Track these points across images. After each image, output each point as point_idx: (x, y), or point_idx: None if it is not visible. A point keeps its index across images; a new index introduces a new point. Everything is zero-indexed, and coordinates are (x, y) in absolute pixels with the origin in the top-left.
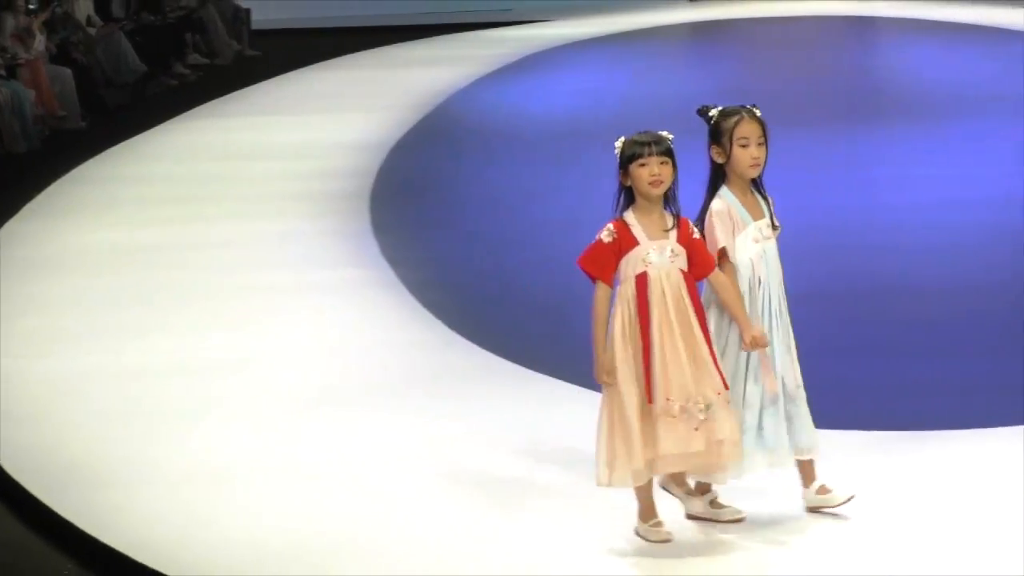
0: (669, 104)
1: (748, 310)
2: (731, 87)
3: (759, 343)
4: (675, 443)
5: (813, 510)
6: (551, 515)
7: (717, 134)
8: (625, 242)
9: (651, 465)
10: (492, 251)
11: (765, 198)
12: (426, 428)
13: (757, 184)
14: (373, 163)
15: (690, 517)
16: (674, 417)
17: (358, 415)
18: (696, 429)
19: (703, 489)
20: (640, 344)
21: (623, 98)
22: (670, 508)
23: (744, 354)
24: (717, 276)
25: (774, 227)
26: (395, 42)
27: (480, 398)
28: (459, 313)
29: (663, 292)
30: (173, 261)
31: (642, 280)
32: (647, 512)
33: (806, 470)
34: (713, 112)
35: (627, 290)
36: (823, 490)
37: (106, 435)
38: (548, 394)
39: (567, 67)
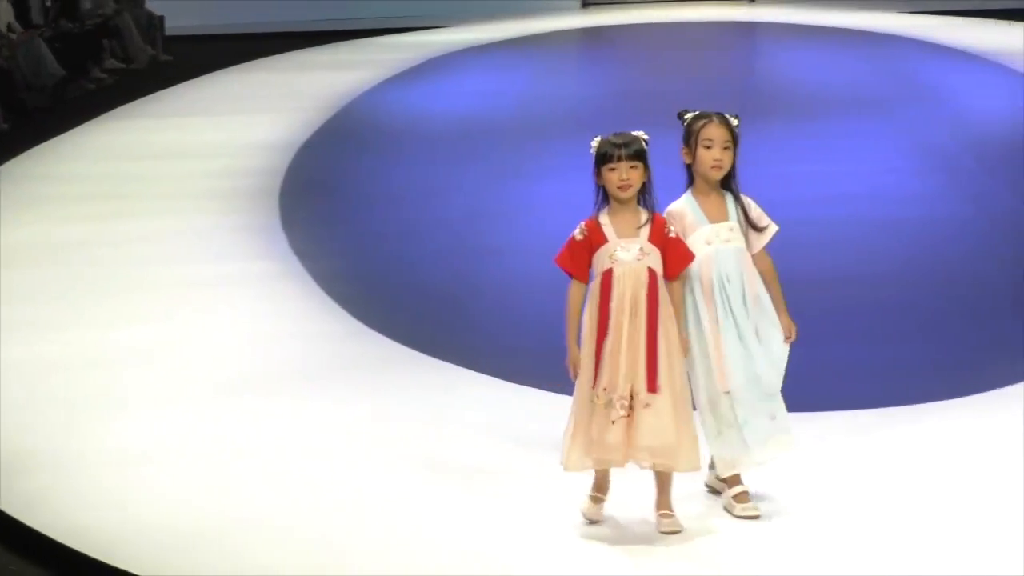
0: (563, 104)
1: (691, 311)
2: (622, 89)
3: (682, 347)
4: (597, 431)
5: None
6: (455, 492)
7: (687, 136)
8: (596, 239)
9: (589, 450)
10: (395, 245)
11: (738, 201)
12: (334, 413)
13: (730, 187)
14: (282, 162)
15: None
16: (604, 407)
17: (270, 402)
18: (613, 422)
19: (731, 482)
20: (598, 337)
21: (520, 99)
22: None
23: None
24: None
25: (756, 228)
26: (302, 47)
27: (384, 385)
28: (364, 304)
29: (625, 289)
30: (91, 257)
31: (607, 277)
32: (595, 485)
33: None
34: (688, 115)
35: (595, 286)
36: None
37: (28, 424)
38: (450, 380)
39: (466, 70)
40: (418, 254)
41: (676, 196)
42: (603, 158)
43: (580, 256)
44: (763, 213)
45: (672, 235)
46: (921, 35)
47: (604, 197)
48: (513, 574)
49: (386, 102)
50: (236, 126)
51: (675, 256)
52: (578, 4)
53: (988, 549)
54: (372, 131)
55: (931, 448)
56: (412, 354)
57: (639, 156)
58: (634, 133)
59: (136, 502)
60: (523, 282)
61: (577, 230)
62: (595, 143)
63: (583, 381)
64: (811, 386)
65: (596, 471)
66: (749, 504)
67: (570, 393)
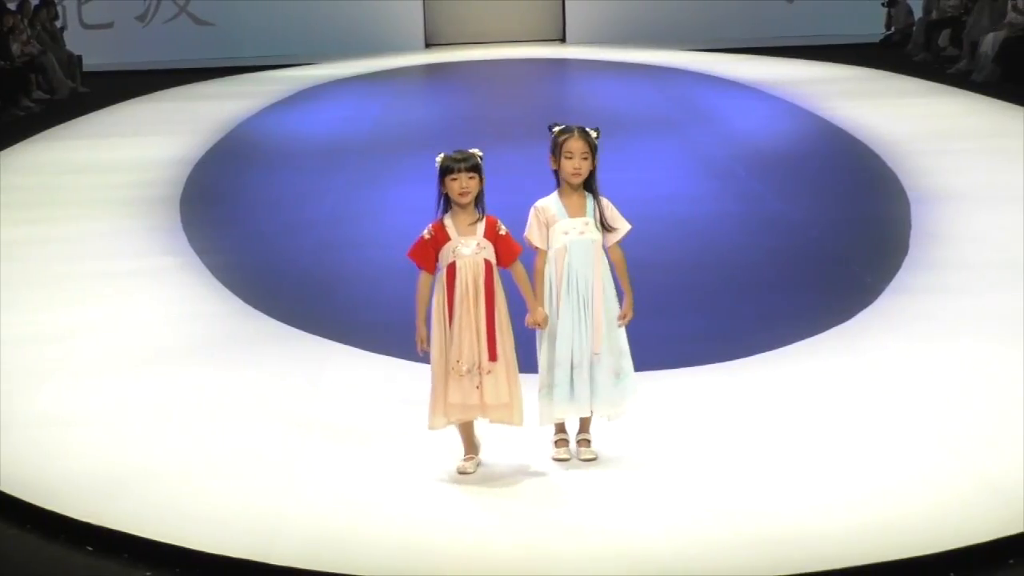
0: (410, 126)
1: (547, 293)
2: (459, 114)
3: (535, 321)
4: (459, 395)
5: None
6: (328, 446)
7: (553, 147)
8: (441, 238)
9: (447, 412)
10: (276, 241)
11: (596, 201)
12: (228, 380)
13: (591, 188)
14: (181, 174)
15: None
16: (461, 375)
17: (176, 371)
18: (477, 387)
19: (556, 429)
20: (447, 319)
21: (374, 122)
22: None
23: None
24: (515, 267)
25: (607, 228)
26: (196, 81)
27: (269, 355)
28: (252, 289)
29: (466, 278)
30: (23, 254)
31: (452, 268)
32: (465, 448)
33: (583, 423)
34: (555, 129)
35: (442, 276)
36: (583, 443)
37: None
38: (323, 352)
39: (330, 99)
40: (295, 248)
41: (505, 198)
42: (446, 171)
43: (428, 252)
44: (618, 215)
45: (503, 232)
46: (700, 69)
47: (447, 203)
48: (386, 515)
49: (266, 125)
50: (143, 146)
51: (506, 249)
52: (422, 44)
53: (767, 490)
54: (255, 149)
55: (709, 402)
56: (291, 330)
57: (475, 169)
58: (470, 150)
59: (64, 456)
60: (380, 270)
61: (426, 231)
62: (439, 159)
63: (437, 357)
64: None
65: (462, 433)
66: (563, 449)
67: (417, 361)
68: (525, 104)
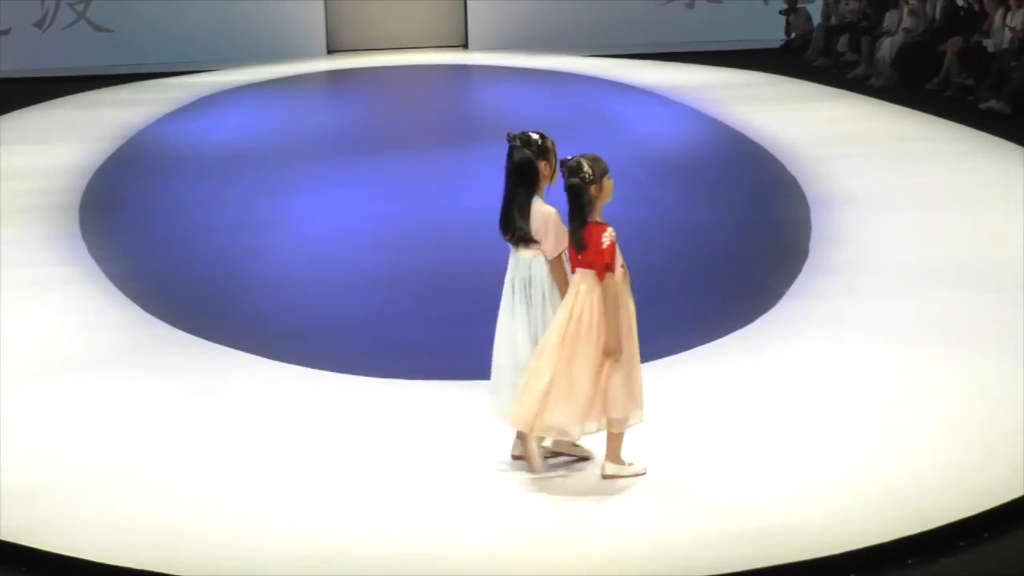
0: (313, 132)
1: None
2: (362, 119)
3: None
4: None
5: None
6: (242, 460)
7: (550, 154)
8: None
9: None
10: (177, 249)
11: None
12: (129, 387)
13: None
14: (80, 182)
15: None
16: None
17: (77, 380)
18: None
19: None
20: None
21: (277, 129)
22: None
23: None
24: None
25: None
26: (95, 88)
27: (170, 363)
28: (152, 298)
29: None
30: None
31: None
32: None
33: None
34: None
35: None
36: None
37: None
38: (225, 359)
39: (232, 106)
40: (196, 256)
41: (411, 206)
42: (604, 171)
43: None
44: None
45: None
46: (600, 74)
47: (586, 205)
48: (289, 525)
49: (166, 132)
50: (42, 153)
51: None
52: (324, 50)
53: (664, 495)
54: (155, 156)
55: None
56: (193, 339)
57: None
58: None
59: None
60: (283, 278)
61: (606, 236)
62: (587, 163)
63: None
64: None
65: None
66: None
67: (321, 368)
68: (428, 111)
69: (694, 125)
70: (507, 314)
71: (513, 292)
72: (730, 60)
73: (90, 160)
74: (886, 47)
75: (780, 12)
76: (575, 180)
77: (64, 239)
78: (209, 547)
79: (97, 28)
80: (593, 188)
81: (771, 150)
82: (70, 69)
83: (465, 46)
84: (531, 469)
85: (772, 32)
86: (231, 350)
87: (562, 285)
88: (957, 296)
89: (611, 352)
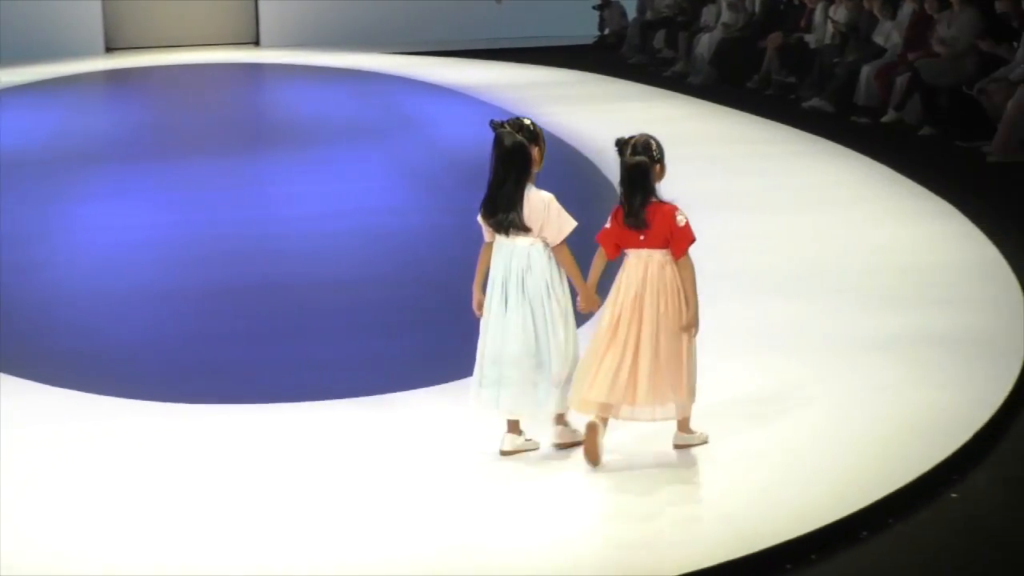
0: (93, 137)
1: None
2: (146, 122)
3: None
4: None
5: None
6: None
7: (540, 140)
8: None
9: None
10: None
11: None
12: None
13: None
14: None
15: None
16: None
17: None
18: None
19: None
20: None
21: (52, 134)
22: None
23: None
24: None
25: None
26: None
27: None
28: None
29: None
30: None
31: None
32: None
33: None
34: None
35: None
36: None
37: None
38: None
39: (1, 109)
40: None
41: (193, 215)
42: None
43: None
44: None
45: None
46: (403, 73)
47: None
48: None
49: None
50: None
51: None
52: (101, 48)
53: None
54: None
55: (437, 427)
56: None
57: None
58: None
59: None
60: (60, 295)
61: (682, 214)
62: (654, 142)
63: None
64: (297, 378)
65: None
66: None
67: (103, 392)
68: (217, 113)
69: None
70: (499, 305)
71: (506, 282)
72: (541, 57)
73: None
74: (704, 43)
75: (594, 7)
76: (642, 158)
77: None
78: None
79: None
80: (657, 166)
81: (585, 153)
82: None
83: (256, 43)
84: (593, 461)
85: (585, 28)
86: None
87: (571, 269)
88: (776, 304)
89: (692, 326)
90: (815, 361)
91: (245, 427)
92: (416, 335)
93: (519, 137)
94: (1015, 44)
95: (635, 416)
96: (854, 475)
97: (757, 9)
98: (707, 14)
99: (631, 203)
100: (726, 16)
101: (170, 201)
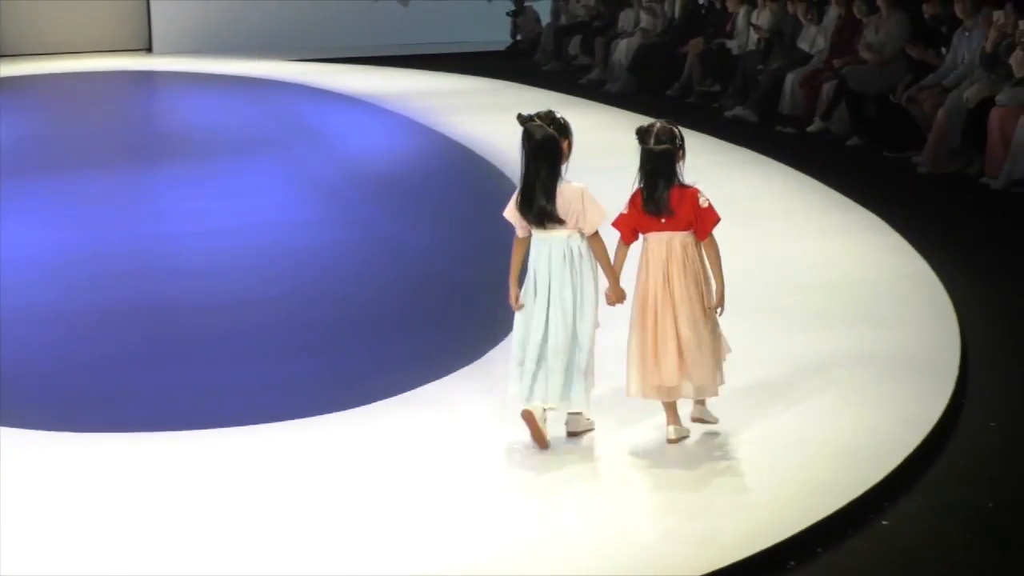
0: None
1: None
2: (32, 135)
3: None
4: None
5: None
6: None
7: (569, 132)
8: None
9: None
10: None
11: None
12: None
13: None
14: None
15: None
16: None
17: None
18: None
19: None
20: None
21: None
22: None
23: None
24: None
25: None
26: None
27: None
28: None
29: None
30: None
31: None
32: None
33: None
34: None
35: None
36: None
37: None
38: None
39: None
40: None
41: (76, 232)
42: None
43: None
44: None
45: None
46: (305, 81)
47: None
48: None
49: None
50: None
51: None
52: None
53: (375, 547)
54: None
55: (328, 457)
56: None
57: None
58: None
59: None
60: None
61: (704, 196)
62: (677, 130)
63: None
64: (210, 404)
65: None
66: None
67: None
68: (107, 124)
69: (411, 137)
70: (542, 298)
71: (548, 275)
72: (450, 64)
73: None
74: (622, 49)
75: (508, 14)
76: (668, 146)
77: None
78: None
79: None
80: (680, 152)
81: (498, 165)
82: None
83: (149, 50)
84: (678, 434)
85: (496, 33)
86: None
87: (603, 259)
88: None
89: (720, 305)
90: (739, 384)
91: (141, 457)
92: (324, 356)
93: (550, 130)
94: (944, 50)
95: (704, 392)
96: (782, 502)
97: (677, 14)
98: (624, 19)
99: (653, 190)
100: (644, 21)
101: (56, 217)
